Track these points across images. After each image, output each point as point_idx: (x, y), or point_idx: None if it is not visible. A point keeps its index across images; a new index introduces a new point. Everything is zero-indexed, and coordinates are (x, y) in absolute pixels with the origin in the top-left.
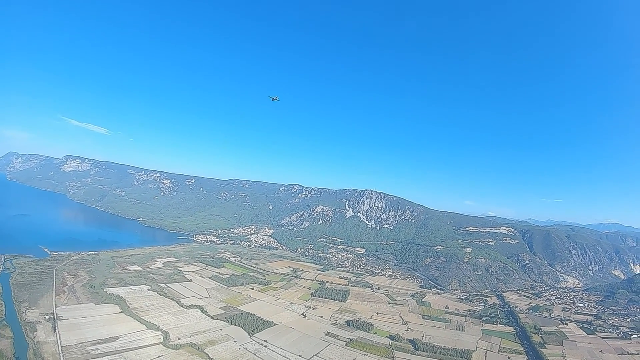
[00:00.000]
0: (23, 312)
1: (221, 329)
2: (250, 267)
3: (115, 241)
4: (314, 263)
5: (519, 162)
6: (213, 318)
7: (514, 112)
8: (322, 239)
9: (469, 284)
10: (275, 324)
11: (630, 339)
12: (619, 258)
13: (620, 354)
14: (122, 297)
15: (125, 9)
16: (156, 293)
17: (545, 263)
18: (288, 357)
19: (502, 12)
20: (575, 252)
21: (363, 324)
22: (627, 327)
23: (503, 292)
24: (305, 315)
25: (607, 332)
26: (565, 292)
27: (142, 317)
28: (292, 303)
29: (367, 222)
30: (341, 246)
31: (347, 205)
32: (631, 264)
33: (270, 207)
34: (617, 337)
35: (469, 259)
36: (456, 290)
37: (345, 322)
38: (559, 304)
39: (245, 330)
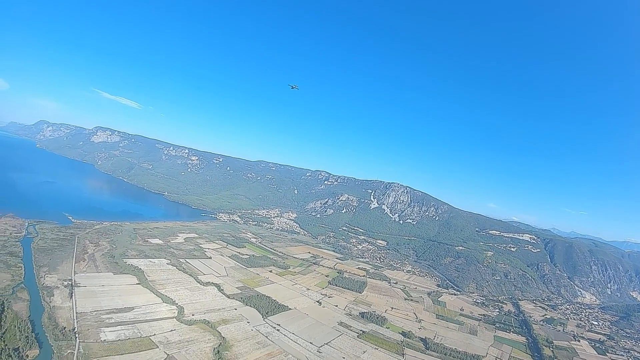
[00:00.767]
0: (42, 276)
1: (236, 309)
2: (270, 249)
3: (139, 213)
4: (334, 251)
5: (547, 170)
6: (229, 297)
7: (546, 120)
8: (344, 228)
9: (487, 288)
10: (290, 309)
11: None
12: (638, 279)
13: None
14: (140, 268)
15: None
16: (175, 267)
17: (564, 275)
18: (299, 343)
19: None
20: (595, 268)
21: (377, 317)
22: (638, 352)
23: (519, 300)
24: (320, 303)
25: (618, 355)
26: (581, 307)
27: (159, 290)
28: (308, 289)
29: (390, 215)
30: (363, 237)
31: (372, 197)
32: None
33: (296, 192)
34: None
35: (489, 262)
36: (473, 293)
37: (360, 313)
38: (574, 319)
39: (259, 312)
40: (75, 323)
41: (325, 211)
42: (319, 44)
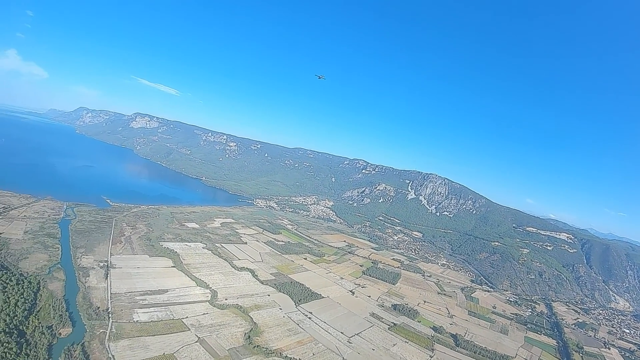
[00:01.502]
0: (78, 257)
1: (269, 295)
2: (306, 236)
3: (177, 198)
4: (369, 241)
5: (588, 168)
6: (262, 283)
7: (588, 118)
8: (380, 218)
9: (520, 287)
10: (323, 297)
11: None
12: None
13: None
14: (176, 252)
15: None
16: (210, 252)
17: (599, 279)
18: (330, 332)
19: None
20: (631, 273)
21: (409, 311)
22: None
23: (553, 301)
24: (353, 293)
25: None
26: (614, 313)
27: (193, 274)
28: (342, 278)
29: (427, 206)
30: (399, 227)
31: (409, 187)
32: None
33: (333, 180)
34: None
35: (525, 260)
36: (506, 290)
37: (392, 305)
38: (606, 325)
39: (292, 299)
40: (109, 303)
41: (362, 200)
42: (361, 34)
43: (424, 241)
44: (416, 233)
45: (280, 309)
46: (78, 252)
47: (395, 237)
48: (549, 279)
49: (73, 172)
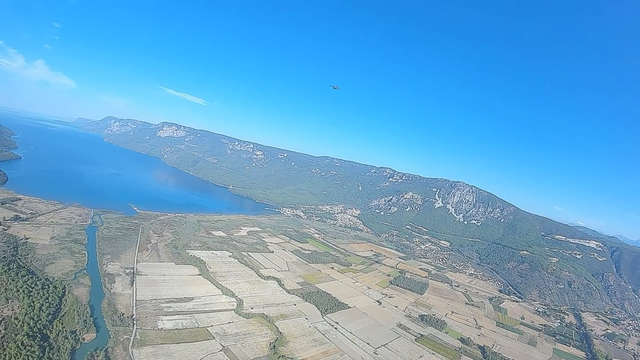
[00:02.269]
0: (104, 264)
1: (295, 304)
2: (332, 245)
3: (203, 206)
4: (396, 250)
5: (616, 173)
6: (289, 292)
7: (616, 122)
8: (407, 227)
9: (549, 297)
10: (349, 307)
11: None
12: None
13: None
14: (202, 260)
15: None
16: (236, 260)
17: (629, 288)
18: (356, 343)
19: None
20: None
21: (436, 321)
22: None
23: (582, 311)
24: (380, 303)
25: None
26: None
27: (219, 282)
28: (369, 288)
29: (455, 215)
30: (426, 236)
31: (436, 195)
32: None
33: (360, 188)
34: None
35: (553, 269)
36: (535, 301)
37: (419, 316)
38: (636, 336)
39: (318, 309)
40: (134, 310)
41: (389, 209)
42: (385, 43)
43: (452, 250)
44: (444, 242)
45: (306, 318)
46: (104, 258)
47: (423, 246)
48: (578, 288)
49: (101, 179)
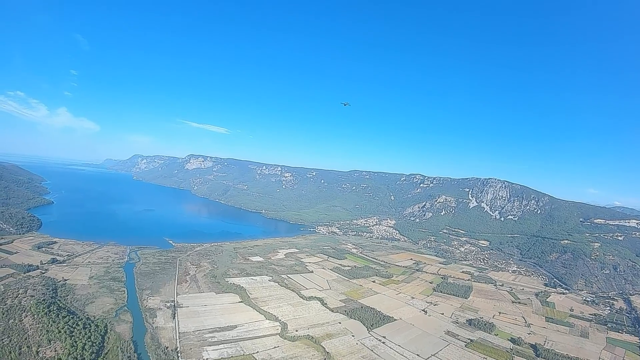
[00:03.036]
0: (144, 299)
1: (340, 323)
2: (371, 259)
3: (238, 233)
4: (436, 256)
5: None
6: (332, 311)
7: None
8: (444, 231)
9: (596, 284)
10: (395, 320)
11: None
12: None
13: None
14: (242, 287)
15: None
16: (277, 284)
17: None
18: (405, 355)
19: None
20: None
21: (484, 324)
22: None
23: (630, 295)
24: (425, 312)
25: None
26: None
27: (262, 307)
28: (413, 298)
29: (490, 212)
30: (464, 238)
31: (470, 195)
32: None
33: (392, 198)
34: None
35: (597, 255)
36: (582, 290)
37: (467, 320)
38: None
39: (364, 324)
40: (178, 342)
41: (424, 215)
42: (406, 51)
43: (492, 249)
44: (482, 242)
45: (353, 335)
46: (144, 293)
47: (462, 249)
48: (624, 271)
49: (134, 216)
